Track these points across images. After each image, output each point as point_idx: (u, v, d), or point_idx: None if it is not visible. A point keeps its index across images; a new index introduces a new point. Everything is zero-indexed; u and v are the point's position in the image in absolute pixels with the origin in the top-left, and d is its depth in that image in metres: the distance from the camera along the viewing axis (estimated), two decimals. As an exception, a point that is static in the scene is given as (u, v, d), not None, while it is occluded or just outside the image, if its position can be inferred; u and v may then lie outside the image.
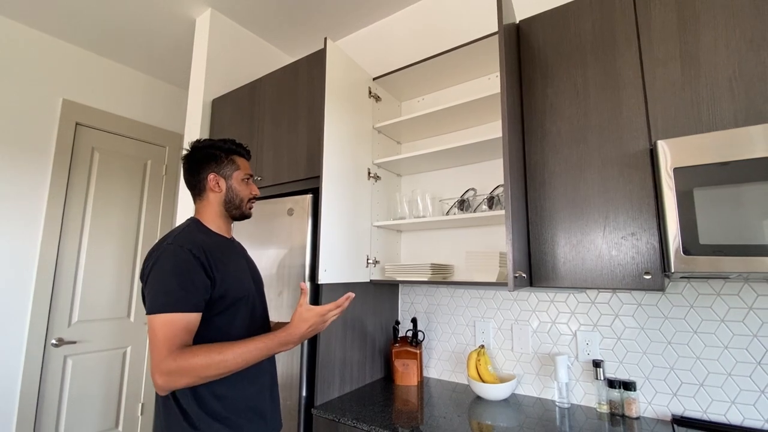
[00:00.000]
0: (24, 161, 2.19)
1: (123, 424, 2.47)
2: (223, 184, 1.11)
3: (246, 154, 1.19)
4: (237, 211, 1.14)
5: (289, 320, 1.25)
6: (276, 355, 1.50)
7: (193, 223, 1.08)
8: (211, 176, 1.10)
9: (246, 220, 1.76)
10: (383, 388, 1.63)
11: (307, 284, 1.36)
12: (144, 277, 0.95)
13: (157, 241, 1.04)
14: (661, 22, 1.15)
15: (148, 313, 0.90)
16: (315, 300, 1.52)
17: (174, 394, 0.94)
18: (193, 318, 0.91)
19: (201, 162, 1.11)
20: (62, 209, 2.31)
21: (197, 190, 1.12)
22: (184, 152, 1.14)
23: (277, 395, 1.14)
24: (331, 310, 1.00)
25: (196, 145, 1.13)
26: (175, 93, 2.99)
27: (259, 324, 1.11)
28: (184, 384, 0.86)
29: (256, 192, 1.18)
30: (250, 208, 1.17)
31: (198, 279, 0.93)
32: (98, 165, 2.51)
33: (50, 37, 2.35)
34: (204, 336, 0.95)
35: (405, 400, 1.49)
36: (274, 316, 1.56)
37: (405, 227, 1.82)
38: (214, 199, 1.11)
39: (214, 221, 1.11)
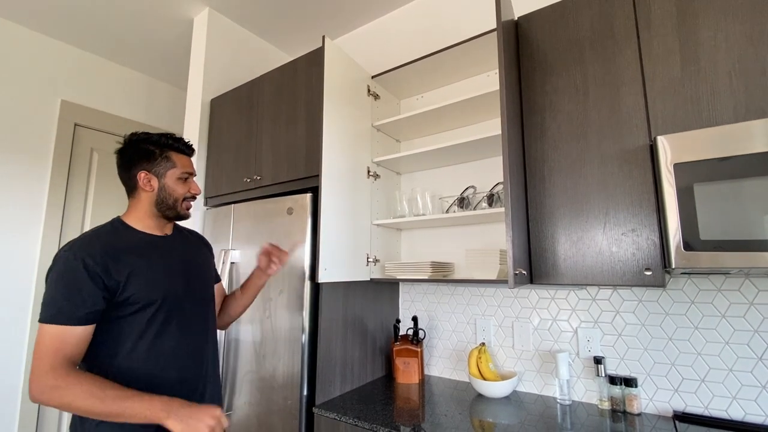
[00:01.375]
0: (23, 163, 2.19)
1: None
2: (155, 182, 1.04)
3: (186, 149, 1.11)
4: (171, 212, 1.07)
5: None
6: (277, 354, 1.51)
7: (110, 224, 1.03)
8: (141, 174, 1.03)
9: (246, 220, 1.76)
10: (384, 386, 1.63)
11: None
12: (45, 279, 0.93)
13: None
14: (661, 17, 1.15)
15: (39, 321, 0.88)
16: (315, 300, 1.52)
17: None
18: (82, 331, 0.88)
19: (132, 158, 1.04)
20: (62, 210, 2.31)
21: (128, 187, 1.06)
22: (118, 146, 1.07)
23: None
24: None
25: (130, 140, 1.06)
26: (174, 93, 2.99)
27: (182, 328, 1.03)
28: (54, 405, 0.82)
29: (196, 191, 1.11)
30: (187, 208, 1.10)
31: (87, 290, 0.88)
32: (97, 165, 2.51)
33: (48, 38, 2.35)
34: (102, 340, 0.92)
35: (406, 398, 1.49)
36: (273, 316, 1.56)
37: (405, 225, 1.82)
38: (146, 198, 1.05)
39: (142, 221, 1.05)
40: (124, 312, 0.94)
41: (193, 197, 1.11)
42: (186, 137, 2.18)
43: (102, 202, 2.50)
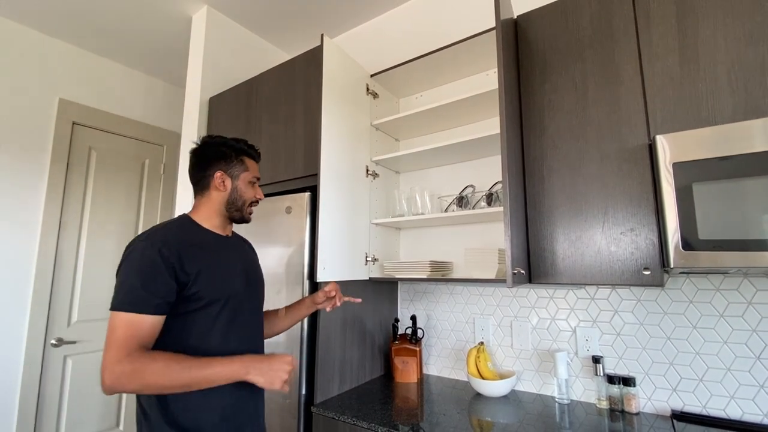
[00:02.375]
0: (21, 161, 2.18)
1: (124, 423, 2.47)
2: (228, 183, 1.09)
3: (256, 156, 1.16)
4: (237, 213, 1.11)
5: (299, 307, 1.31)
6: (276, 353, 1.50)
7: (179, 220, 1.06)
8: (218, 174, 1.07)
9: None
10: (383, 385, 1.63)
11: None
12: (117, 271, 0.94)
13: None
14: (660, 16, 1.14)
15: (110, 309, 0.88)
16: (314, 298, 1.52)
17: (141, 405, 0.95)
18: (155, 321, 0.89)
19: (210, 158, 1.08)
20: (60, 209, 2.30)
21: (200, 186, 1.09)
22: (193, 146, 1.11)
23: (262, 406, 1.10)
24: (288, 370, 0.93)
25: (207, 141, 1.11)
26: (173, 91, 2.98)
27: (243, 328, 1.06)
28: (132, 388, 0.83)
29: (261, 196, 1.16)
30: (251, 213, 1.14)
31: (162, 280, 0.90)
32: (96, 164, 2.50)
33: (46, 36, 2.34)
34: (169, 336, 0.93)
35: (405, 397, 1.49)
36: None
37: (404, 224, 1.82)
38: (217, 197, 1.08)
39: (210, 219, 1.08)
40: (190, 308, 0.95)
41: (257, 202, 1.15)
42: (184, 136, 2.19)
43: (100, 201, 2.49)
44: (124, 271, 0.91)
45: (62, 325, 2.27)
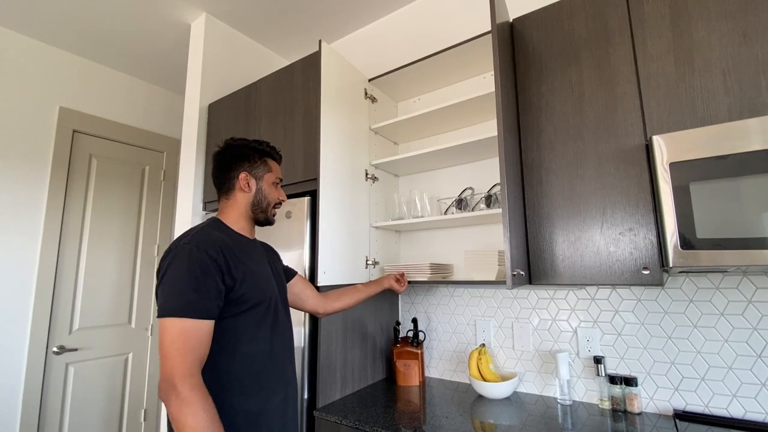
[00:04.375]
0: (22, 169, 2.19)
1: (126, 430, 2.47)
2: (253, 184, 1.09)
3: (278, 157, 1.18)
4: (263, 215, 1.12)
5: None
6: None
7: (214, 223, 1.05)
8: (242, 175, 1.07)
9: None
10: (385, 389, 1.63)
11: None
12: (159, 275, 0.90)
13: (174, 239, 1.01)
14: (654, 17, 1.16)
15: (160, 315, 0.84)
16: (315, 302, 1.52)
17: None
18: (206, 326, 0.86)
19: (234, 160, 1.08)
20: (61, 217, 2.31)
21: (225, 188, 1.09)
22: (216, 149, 1.12)
23: (293, 412, 1.09)
24: None
25: (230, 143, 1.11)
26: (172, 98, 2.99)
27: (282, 332, 1.06)
28: (173, 412, 0.79)
29: (284, 198, 1.16)
30: (274, 215, 1.15)
31: (212, 283, 0.87)
32: (96, 172, 2.51)
33: (45, 45, 2.36)
34: (222, 340, 0.91)
35: (407, 400, 1.48)
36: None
37: (403, 227, 1.82)
38: (242, 199, 1.08)
39: (237, 222, 1.08)
40: (235, 311, 0.93)
41: (280, 204, 1.16)
42: (184, 142, 2.20)
43: (101, 208, 2.50)
44: (171, 275, 0.87)
45: (64, 332, 2.27)
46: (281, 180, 1.16)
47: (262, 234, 1.67)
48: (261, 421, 0.95)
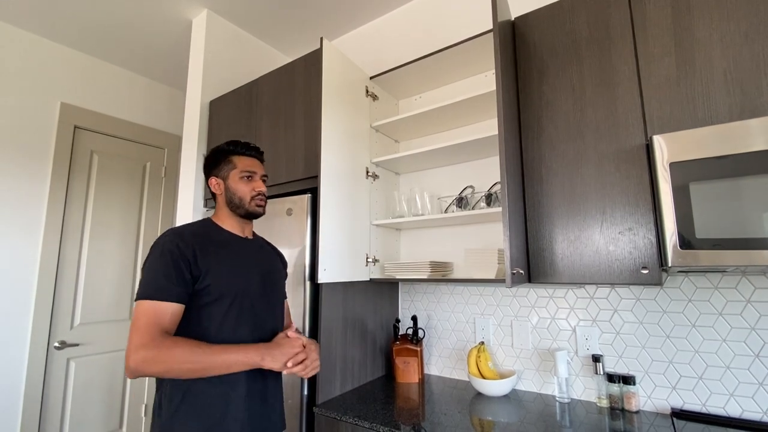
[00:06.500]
0: (23, 165, 2.19)
1: (127, 425, 2.48)
2: (222, 185, 1.16)
3: (247, 151, 1.19)
4: (240, 210, 1.14)
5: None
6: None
7: (202, 221, 1.15)
8: (211, 180, 1.17)
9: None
10: (384, 385, 1.64)
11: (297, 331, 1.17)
12: (143, 267, 1.02)
13: None
14: (656, 17, 1.15)
15: (135, 299, 0.95)
16: (315, 300, 1.53)
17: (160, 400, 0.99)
18: (175, 308, 0.95)
19: (206, 169, 1.19)
20: (62, 212, 2.32)
21: (211, 195, 1.20)
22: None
23: (268, 404, 1.10)
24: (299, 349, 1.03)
25: (204, 156, 1.21)
26: (173, 95, 2.99)
27: (253, 325, 1.08)
28: (155, 371, 0.89)
29: (260, 188, 1.16)
30: (257, 205, 1.16)
31: (178, 271, 0.97)
32: (97, 168, 2.52)
33: (47, 40, 2.35)
34: (186, 328, 0.98)
35: (406, 397, 1.49)
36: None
37: (404, 225, 1.83)
38: (221, 200, 1.16)
39: (225, 221, 1.16)
40: (201, 301, 1.01)
41: (260, 195, 1.16)
42: (185, 139, 2.20)
43: (102, 204, 2.51)
44: (147, 264, 0.99)
45: (65, 327, 2.28)
46: (252, 173, 1.16)
47: (263, 233, 1.67)
48: (222, 409, 0.99)
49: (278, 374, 1.14)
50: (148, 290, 0.94)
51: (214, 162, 1.17)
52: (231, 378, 1.00)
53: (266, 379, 1.09)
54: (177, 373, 0.90)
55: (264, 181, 1.20)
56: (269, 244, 1.31)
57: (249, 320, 1.07)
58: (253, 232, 1.25)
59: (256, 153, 1.21)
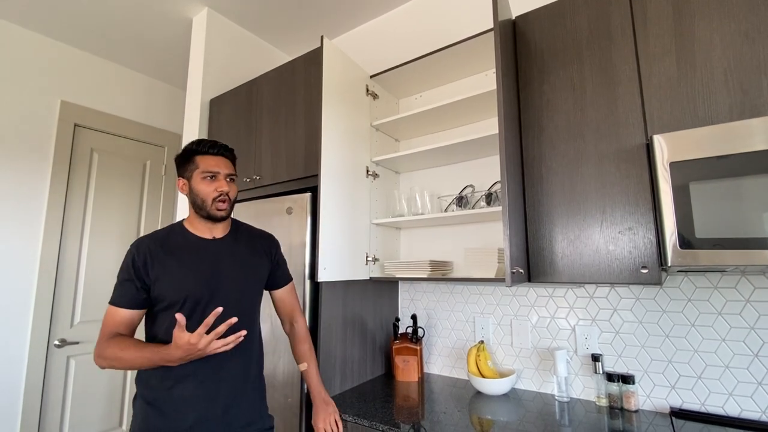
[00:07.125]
0: (23, 163, 2.19)
1: (127, 423, 2.49)
2: (186, 186, 1.14)
3: (210, 149, 1.12)
4: (202, 212, 1.11)
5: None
6: (277, 352, 1.51)
7: (171, 225, 1.17)
8: (179, 182, 1.16)
9: (246, 220, 1.76)
10: (384, 384, 1.64)
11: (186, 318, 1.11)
12: None
13: None
14: (657, 16, 1.15)
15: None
16: (315, 299, 1.53)
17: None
18: (128, 313, 1.04)
19: (177, 170, 1.17)
20: (62, 210, 2.32)
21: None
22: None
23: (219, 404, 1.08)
24: (204, 338, 0.91)
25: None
26: (174, 93, 2.99)
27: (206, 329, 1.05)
28: (104, 365, 1.00)
29: (222, 188, 1.10)
30: (218, 209, 1.10)
31: (130, 281, 1.04)
32: (97, 166, 2.52)
33: (47, 38, 2.35)
34: (155, 331, 1.07)
35: (406, 396, 1.50)
36: (273, 315, 1.57)
37: (404, 224, 1.83)
38: (189, 202, 1.15)
39: (192, 223, 1.16)
40: (158, 307, 1.06)
41: (221, 196, 1.10)
42: (185, 138, 2.20)
43: (102, 202, 2.51)
44: (118, 271, 1.08)
45: (65, 325, 2.28)
46: (215, 172, 1.10)
47: (262, 228, 1.67)
48: (172, 407, 1.03)
49: (243, 374, 1.12)
50: (112, 296, 1.05)
51: (181, 162, 1.15)
52: (180, 376, 1.04)
53: (220, 382, 1.08)
54: (119, 366, 0.99)
55: (232, 180, 1.15)
56: (254, 230, 1.27)
57: (198, 322, 1.02)
58: (234, 225, 1.22)
59: (221, 151, 1.14)
